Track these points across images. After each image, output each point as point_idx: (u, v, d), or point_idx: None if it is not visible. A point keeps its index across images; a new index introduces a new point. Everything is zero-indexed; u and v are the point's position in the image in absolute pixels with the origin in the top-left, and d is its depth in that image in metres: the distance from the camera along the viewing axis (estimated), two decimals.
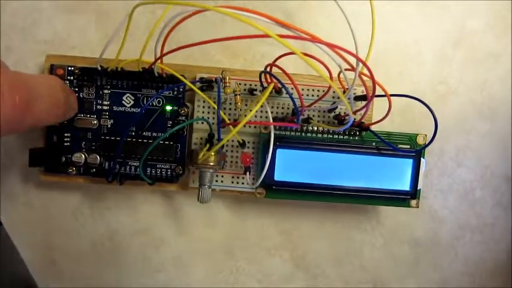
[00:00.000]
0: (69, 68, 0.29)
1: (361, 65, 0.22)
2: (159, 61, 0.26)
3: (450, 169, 0.33)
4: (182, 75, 0.26)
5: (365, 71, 0.24)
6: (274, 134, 0.27)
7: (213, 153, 0.26)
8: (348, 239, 0.33)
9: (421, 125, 0.32)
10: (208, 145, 0.28)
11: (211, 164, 0.27)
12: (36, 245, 0.33)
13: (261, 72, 0.26)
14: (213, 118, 0.30)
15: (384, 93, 0.25)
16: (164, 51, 0.25)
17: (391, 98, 0.25)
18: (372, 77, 0.23)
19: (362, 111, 0.27)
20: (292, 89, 0.28)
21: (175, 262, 0.33)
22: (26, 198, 0.33)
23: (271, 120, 0.27)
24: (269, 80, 0.27)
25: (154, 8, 0.31)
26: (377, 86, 0.24)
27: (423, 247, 0.33)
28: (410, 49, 0.32)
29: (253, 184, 0.29)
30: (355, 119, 0.27)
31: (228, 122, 0.27)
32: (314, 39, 0.19)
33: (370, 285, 0.34)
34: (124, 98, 0.30)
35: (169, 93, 0.30)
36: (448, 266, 0.34)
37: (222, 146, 0.28)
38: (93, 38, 0.32)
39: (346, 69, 0.23)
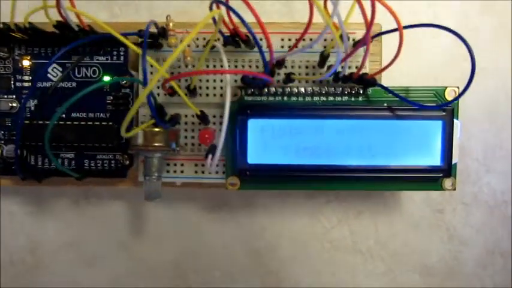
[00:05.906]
0: None
1: None
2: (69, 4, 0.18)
3: (476, 175, 0.25)
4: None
5: None
6: (246, 101, 0.20)
7: (143, 128, 0.19)
8: (336, 262, 0.26)
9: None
10: (154, 120, 0.20)
11: (157, 144, 0.20)
12: None
13: (212, 2, 0.18)
14: None
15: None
16: None
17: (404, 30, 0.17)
18: None
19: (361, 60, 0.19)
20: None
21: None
22: None
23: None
24: (229, 25, 0.20)
25: None
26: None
27: (439, 276, 0.26)
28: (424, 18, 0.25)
29: (217, 173, 0.21)
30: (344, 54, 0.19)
31: (168, 77, 0.19)
32: None
33: None
34: (50, 70, 0.23)
35: (107, 59, 0.22)
36: None
37: (164, 118, 0.20)
38: None
39: None
